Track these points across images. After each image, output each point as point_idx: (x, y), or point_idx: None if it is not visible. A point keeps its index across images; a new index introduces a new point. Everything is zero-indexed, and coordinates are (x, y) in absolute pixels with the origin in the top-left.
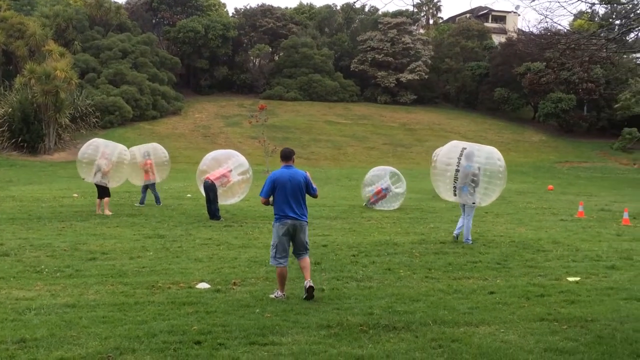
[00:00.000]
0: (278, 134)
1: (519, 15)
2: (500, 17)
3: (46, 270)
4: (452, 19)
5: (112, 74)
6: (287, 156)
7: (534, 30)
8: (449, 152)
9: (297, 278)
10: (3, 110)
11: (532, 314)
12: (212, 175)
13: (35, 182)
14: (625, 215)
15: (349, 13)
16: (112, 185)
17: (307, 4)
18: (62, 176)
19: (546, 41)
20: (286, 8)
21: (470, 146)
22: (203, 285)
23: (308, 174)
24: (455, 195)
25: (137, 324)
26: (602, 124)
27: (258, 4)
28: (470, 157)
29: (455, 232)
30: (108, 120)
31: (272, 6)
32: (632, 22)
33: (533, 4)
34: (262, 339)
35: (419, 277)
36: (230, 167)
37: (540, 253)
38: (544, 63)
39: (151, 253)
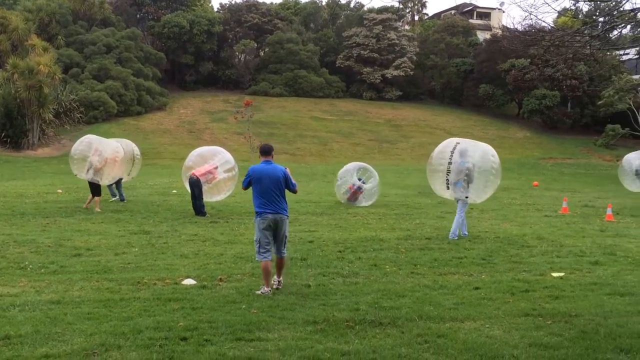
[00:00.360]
0: (263, 130)
1: (503, 12)
2: (485, 14)
3: (30, 266)
4: (437, 15)
5: (96, 69)
6: (266, 152)
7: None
8: (444, 147)
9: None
10: None
11: (517, 309)
12: (198, 171)
13: (18, 177)
14: (609, 211)
15: (334, 9)
16: (104, 182)
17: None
18: (46, 172)
19: (531, 38)
20: (271, 3)
21: (464, 142)
22: (189, 282)
23: (288, 170)
24: (448, 189)
25: (123, 320)
26: (586, 121)
27: (243, 0)
28: (464, 153)
29: (463, 232)
30: (92, 116)
31: (257, 1)
32: (615, 20)
33: (517, 0)
34: (249, 335)
35: (405, 273)
36: (216, 164)
37: (525, 249)
38: (529, 60)
39: (136, 249)
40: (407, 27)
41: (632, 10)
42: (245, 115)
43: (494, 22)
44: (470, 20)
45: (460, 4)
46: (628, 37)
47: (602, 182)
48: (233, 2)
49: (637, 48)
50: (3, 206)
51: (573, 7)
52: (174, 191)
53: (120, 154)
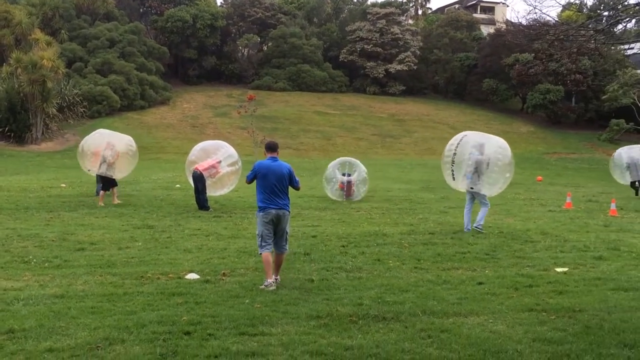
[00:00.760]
0: (267, 125)
1: (507, 6)
2: (489, 8)
3: (34, 260)
4: (440, 9)
5: (99, 63)
6: (273, 148)
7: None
8: (453, 140)
9: (284, 269)
10: None
11: (521, 304)
12: (201, 166)
13: (22, 172)
14: (613, 206)
15: (338, 3)
16: (117, 176)
17: None
18: (50, 166)
19: (535, 32)
20: None
21: (472, 135)
22: (192, 276)
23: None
24: (454, 180)
25: (126, 314)
26: (590, 115)
27: None
28: (476, 146)
29: (466, 228)
30: (96, 110)
31: None
32: (620, 14)
33: None
34: (252, 330)
35: (408, 267)
36: (220, 158)
37: (529, 244)
38: (533, 54)
39: (140, 243)
40: (410, 21)
41: (637, 4)
42: (248, 110)
43: (498, 16)
44: (474, 15)
45: None
46: (633, 31)
47: (606, 177)
48: None
49: None
50: (7, 200)
51: (577, 1)
52: (178, 185)
53: (133, 149)
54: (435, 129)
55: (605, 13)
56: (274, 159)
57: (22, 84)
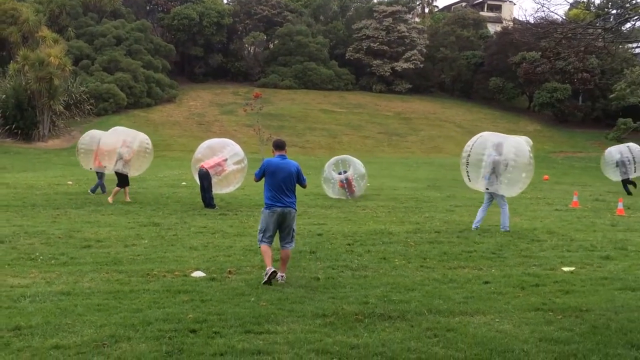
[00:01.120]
0: (273, 123)
1: (514, 4)
2: (496, 6)
3: (41, 257)
4: (447, 7)
5: (106, 61)
6: (281, 146)
7: (530, 19)
8: (470, 141)
9: (290, 267)
10: None
11: (527, 303)
12: (207, 164)
13: (29, 169)
14: (620, 206)
15: (344, 1)
16: (132, 173)
17: None
18: (57, 163)
19: (542, 30)
20: None
21: (490, 135)
22: (198, 274)
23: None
24: (469, 180)
25: (132, 312)
26: (597, 114)
27: None
28: (494, 146)
29: (475, 225)
30: (102, 108)
31: None
32: (629, 12)
33: None
34: (258, 328)
35: (414, 266)
36: (226, 156)
37: (535, 243)
38: (540, 52)
39: (146, 241)
40: (417, 19)
41: None
42: (254, 108)
43: (505, 14)
44: (481, 13)
45: None
46: None
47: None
48: None
49: None
50: (14, 197)
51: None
52: (184, 183)
53: (149, 147)
54: (441, 128)
55: (614, 11)
56: (283, 157)
57: (29, 81)
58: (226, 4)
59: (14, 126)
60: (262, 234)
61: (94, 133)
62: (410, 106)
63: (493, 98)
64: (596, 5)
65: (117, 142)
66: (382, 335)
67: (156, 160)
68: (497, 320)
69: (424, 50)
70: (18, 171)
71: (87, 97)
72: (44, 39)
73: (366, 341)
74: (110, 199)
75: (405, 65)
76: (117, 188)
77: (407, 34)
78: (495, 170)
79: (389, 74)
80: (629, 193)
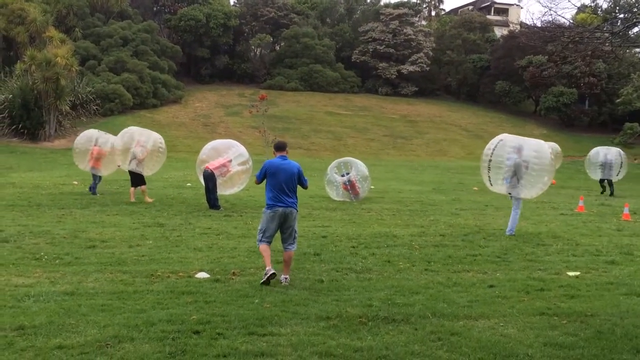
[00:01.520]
0: (278, 124)
1: (521, 7)
2: (503, 10)
3: (45, 257)
4: (454, 10)
5: (112, 61)
6: (282, 147)
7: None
8: (489, 144)
9: (294, 269)
10: (3, 96)
11: (532, 308)
12: (212, 165)
13: (35, 169)
14: (626, 211)
15: (351, 3)
16: (146, 173)
17: None
18: (62, 163)
19: (550, 34)
20: None
21: (510, 138)
22: (202, 275)
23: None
24: (491, 184)
25: (136, 312)
26: (604, 119)
27: None
28: (514, 149)
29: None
30: (108, 108)
31: None
32: (636, 16)
33: None
34: (261, 330)
35: (419, 269)
36: (230, 157)
37: (540, 247)
38: (546, 56)
39: (150, 242)
40: (423, 22)
41: None
42: (260, 110)
43: (512, 17)
44: (488, 16)
45: (478, 0)
46: None
47: (619, 181)
48: None
49: None
50: (19, 197)
51: (592, 4)
52: (189, 184)
53: (162, 146)
54: (447, 131)
55: (621, 15)
56: (284, 158)
57: (36, 81)
58: (233, 5)
59: (20, 126)
60: (261, 234)
61: (90, 133)
62: (416, 109)
63: (499, 102)
64: (603, 9)
65: (131, 142)
66: (386, 339)
67: None
68: (501, 324)
69: (430, 53)
70: (24, 171)
71: (93, 98)
72: (51, 39)
73: (370, 344)
74: (147, 199)
75: (411, 68)
76: (132, 188)
77: (413, 36)
78: (516, 173)
79: (394, 76)
80: (603, 192)
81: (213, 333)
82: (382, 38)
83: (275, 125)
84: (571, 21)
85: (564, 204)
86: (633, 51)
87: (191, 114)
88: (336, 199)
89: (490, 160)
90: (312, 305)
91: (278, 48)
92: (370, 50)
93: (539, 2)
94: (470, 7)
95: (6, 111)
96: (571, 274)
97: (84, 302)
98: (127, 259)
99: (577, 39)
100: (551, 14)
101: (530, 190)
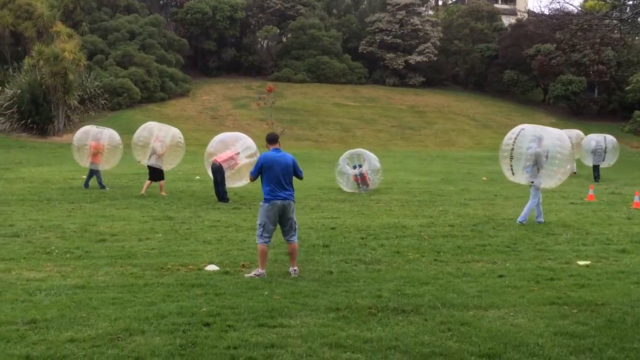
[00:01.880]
0: (286, 116)
1: None
2: None
3: (56, 251)
4: (461, 0)
5: (120, 55)
6: (274, 139)
7: (545, 11)
8: (510, 134)
9: (303, 261)
10: (12, 91)
11: (542, 297)
12: (220, 158)
13: (44, 163)
14: (636, 199)
15: None
16: (165, 167)
17: None
18: (72, 158)
19: (558, 22)
20: None
21: (530, 127)
22: (212, 267)
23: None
24: (513, 174)
25: (147, 305)
26: (613, 107)
27: None
28: (535, 139)
29: (539, 219)
30: (116, 102)
31: None
32: None
33: None
34: (271, 321)
35: (428, 260)
36: (238, 149)
37: (550, 236)
38: (555, 45)
39: (160, 235)
40: (430, 12)
41: None
42: (267, 102)
43: (519, 6)
44: (495, 5)
45: None
46: None
47: (629, 169)
48: None
49: None
50: (30, 192)
51: None
52: (197, 177)
53: (181, 141)
54: (455, 121)
55: (630, 2)
56: (277, 150)
57: (44, 76)
58: None
59: (29, 121)
60: (262, 229)
61: (88, 129)
62: (424, 99)
63: (507, 91)
64: None
65: (150, 137)
66: (396, 329)
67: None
68: (511, 314)
69: (438, 43)
70: (34, 165)
71: (101, 92)
72: (59, 34)
73: (379, 335)
74: (162, 193)
75: (418, 59)
76: (148, 182)
77: (420, 26)
78: (537, 163)
79: (402, 67)
80: (596, 178)
81: (223, 325)
82: (389, 28)
83: (282, 117)
84: (579, 8)
85: (574, 193)
86: None
87: (199, 107)
88: (346, 190)
89: (512, 149)
90: (321, 297)
91: (285, 40)
92: (377, 40)
93: None
94: None
95: (15, 106)
96: (581, 263)
97: (95, 296)
98: (137, 252)
99: (585, 26)
100: (559, 2)
101: (551, 179)
